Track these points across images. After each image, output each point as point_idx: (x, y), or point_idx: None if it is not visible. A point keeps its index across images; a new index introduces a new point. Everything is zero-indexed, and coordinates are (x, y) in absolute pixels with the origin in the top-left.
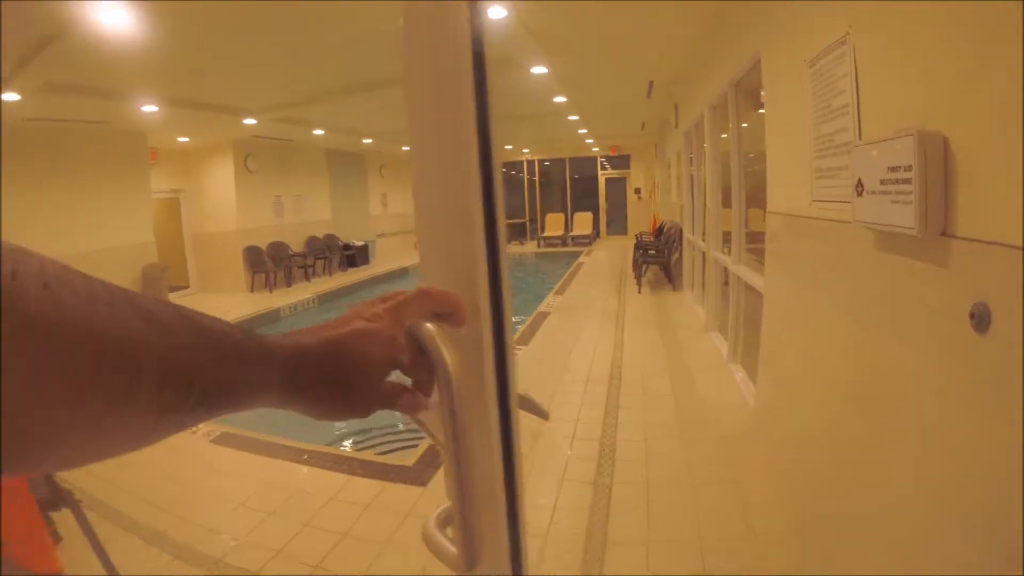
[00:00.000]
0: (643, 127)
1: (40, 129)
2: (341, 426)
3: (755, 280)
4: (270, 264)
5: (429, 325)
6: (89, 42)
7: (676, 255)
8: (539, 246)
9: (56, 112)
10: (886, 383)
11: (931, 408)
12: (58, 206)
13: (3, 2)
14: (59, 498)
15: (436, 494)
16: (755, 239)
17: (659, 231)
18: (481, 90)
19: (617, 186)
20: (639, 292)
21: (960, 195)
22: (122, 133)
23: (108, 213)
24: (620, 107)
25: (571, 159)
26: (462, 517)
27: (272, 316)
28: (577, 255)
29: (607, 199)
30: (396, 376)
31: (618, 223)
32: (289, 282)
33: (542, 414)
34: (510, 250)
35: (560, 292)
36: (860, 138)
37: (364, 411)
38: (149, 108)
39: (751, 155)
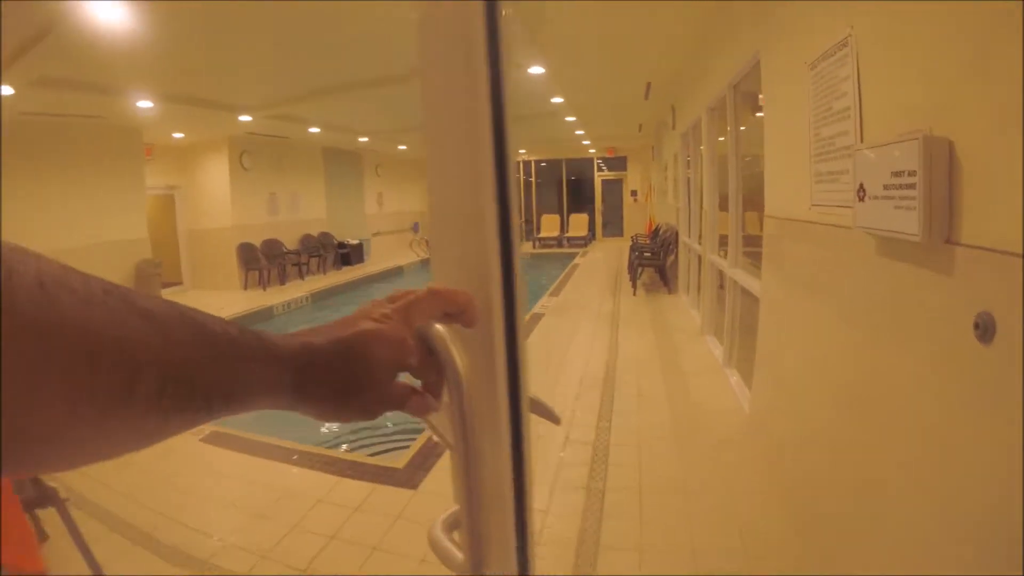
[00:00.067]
0: (640, 129)
1: (34, 123)
2: (332, 426)
3: (751, 284)
4: (264, 261)
5: (439, 326)
6: (84, 36)
7: (672, 258)
8: (534, 247)
9: (50, 106)
10: (885, 390)
11: (932, 416)
12: (52, 201)
13: (3, 2)
14: (44, 496)
15: (427, 497)
16: (751, 243)
17: (655, 233)
18: (497, 89)
19: (613, 188)
20: (634, 294)
21: (965, 201)
22: (117, 128)
23: (102, 209)
24: (617, 108)
25: (567, 160)
26: (470, 521)
27: (265, 314)
28: (572, 256)
29: (603, 201)
30: (405, 377)
31: (614, 225)
32: (283, 280)
33: (553, 418)
34: None
35: (555, 293)
36: (862, 142)
37: (372, 413)
38: (144, 104)
39: (747, 158)
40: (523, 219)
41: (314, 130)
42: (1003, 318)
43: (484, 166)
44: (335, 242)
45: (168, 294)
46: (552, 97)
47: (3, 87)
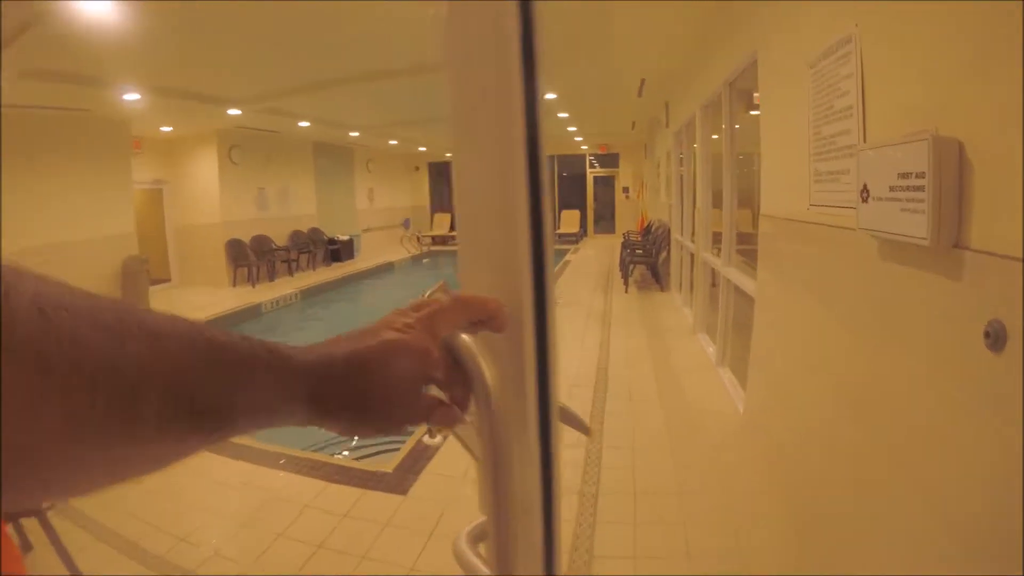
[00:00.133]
0: (633, 126)
1: (18, 117)
2: (320, 430)
3: (745, 283)
4: (253, 258)
5: (466, 338)
6: (69, 27)
7: (664, 255)
8: None
9: (35, 99)
10: (886, 394)
11: (936, 422)
12: (37, 196)
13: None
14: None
15: (417, 503)
16: (743, 240)
17: (647, 230)
18: (531, 88)
19: (605, 184)
20: (626, 292)
21: (975, 205)
22: (104, 121)
23: (89, 204)
24: (610, 105)
25: (559, 156)
26: (497, 534)
27: (253, 311)
28: (564, 253)
29: (595, 197)
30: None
31: (606, 221)
32: (272, 276)
33: (583, 429)
34: None
35: None
36: (864, 141)
37: (396, 428)
38: (131, 96)
39: (739, 156)
40: None
41: (304, 124)
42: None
43: (516, 166)
44: (325, 238)
45: (156, 291)
46: (544, 93)
47: None
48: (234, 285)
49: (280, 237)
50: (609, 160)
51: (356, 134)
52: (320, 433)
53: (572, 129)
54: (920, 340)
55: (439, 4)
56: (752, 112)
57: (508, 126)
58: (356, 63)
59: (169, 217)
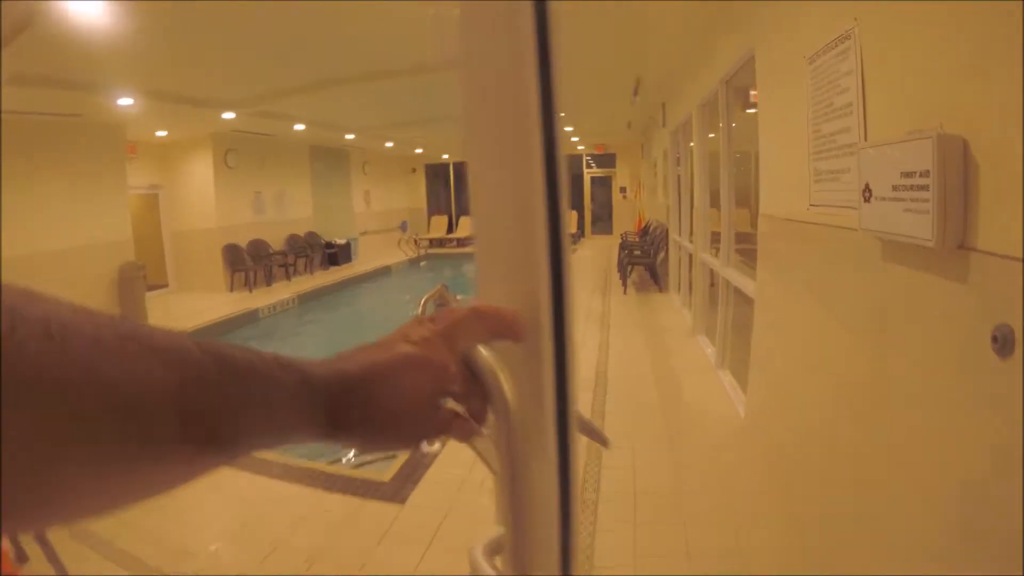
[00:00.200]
0: (629, 126)
1: (11, 122)
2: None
3: (745, 284)
4: (250, 262)
5: (486, 352)
6: (62, 31)
7: (662, 255)
8: None
9: (28, 104)
10: (887, 397)
11: (941, 426)
12: (31, 203)
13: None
14: None
15: (415, 513)
16: (741, 239)
17: (645, 231)
18: (547, 89)
19: (602, 185)
20: (624, 293)
21: (981, 204)
22: (98, 126)
23: (84, 210)
24: (606, 105)
25: None
26: (515, 547)
27: (251, 316)
28: None
29: (592, 198)
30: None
31: (603, 222)
32: (269, 281)
33: (603, 441)
34: None
35: None
36: (865, 139)
37: (413, 443)
38: (125, 101)
39: (736, 155)
40: None
41: (300, 127)
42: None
43: (533, 169)
44: (322, 242)
45: (153, 297)
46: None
47: None
48: (231, 290)
49: (277, 241)
50: (606, 160)
51: (352, 136)
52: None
53: (568, 129)
54: (924, 343)
55: (439, 4)
56: (749, 111)
57: (524, 129)
58: (351, 64)
59: (165, 222)
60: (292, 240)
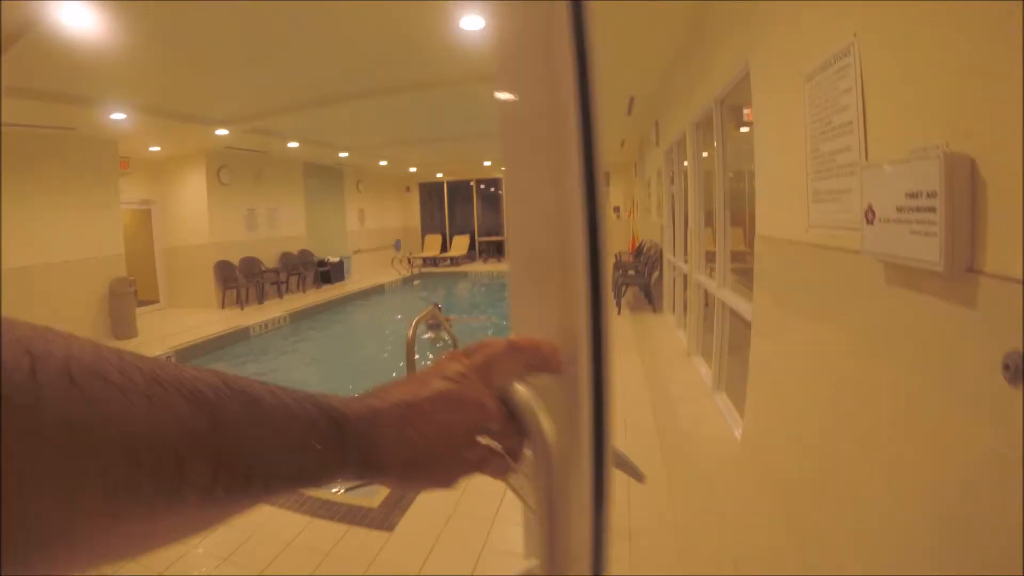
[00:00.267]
0: (623, 145)
1: (3, 134)
2: None
3: (741, 306)
4: (242, 280)
5: (523, 389)
6: (55, 44)
7: (656, 275)
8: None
9: (20, 118)
10: (891, 425)
11: (949, 459)
12: (22, 217)
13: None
14: None
15: (404, 541)
16: (735, 259)
17: (638, 251)
18: (585, 101)
19: None
20: (618, 313)
21: (990, 226)
22: (91, 141)
23: (75, 224)
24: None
25: None
26: None
27: (242, 334)
28: None
29: None
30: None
31: None
32: (261, 298)
33: (638, 476)
34: (486, 268)
35: None
36: (866, 158)
37: (448, 482)
38: (118, 116)
39: (729, 174)
40: (506, 236)
41: (293, 145)
42: None
43: (571, 189)
44: (315, 260)
45: (144, 313)
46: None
47: None
48: (223, 307)
49: (270, 258)
50: None
51: (346, 154)
52: None
53: None
54: (931, 370)
55: (437, 17)
56: (743, 129)
57: (562, 146)
58: (345, 82)
59: (157, 238)
60: (285, 258)
